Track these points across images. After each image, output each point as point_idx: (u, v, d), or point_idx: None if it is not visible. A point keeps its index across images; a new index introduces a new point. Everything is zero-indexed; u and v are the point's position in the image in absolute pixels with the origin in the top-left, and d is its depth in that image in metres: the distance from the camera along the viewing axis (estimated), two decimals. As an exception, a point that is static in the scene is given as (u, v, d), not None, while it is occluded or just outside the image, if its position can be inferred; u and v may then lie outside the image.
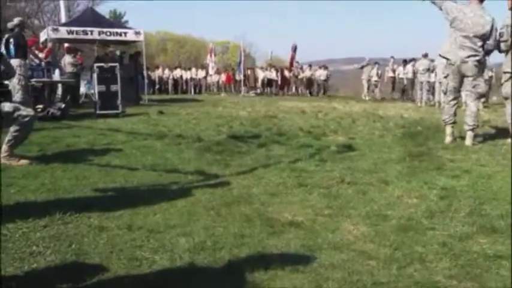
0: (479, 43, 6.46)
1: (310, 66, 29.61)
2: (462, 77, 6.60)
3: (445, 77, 6.84)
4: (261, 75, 29.99)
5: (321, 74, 28.11)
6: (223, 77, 31.74)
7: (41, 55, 12.84)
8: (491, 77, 17.12)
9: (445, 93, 6.96)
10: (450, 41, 6.59)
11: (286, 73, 29.62)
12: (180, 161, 5.44)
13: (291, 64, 29.15)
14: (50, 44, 14.52)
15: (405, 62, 21.78)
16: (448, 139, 6.74)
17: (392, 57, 24.41)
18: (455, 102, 6.81)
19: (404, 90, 22.17)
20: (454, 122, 6.78)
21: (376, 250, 2.82)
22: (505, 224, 3.22)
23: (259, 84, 30.14)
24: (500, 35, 6.56)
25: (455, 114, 6.76)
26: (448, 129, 6.79)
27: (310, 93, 27.96)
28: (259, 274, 2.43)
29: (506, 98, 6.84)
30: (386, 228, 3.20)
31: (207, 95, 27.00)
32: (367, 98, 22.35)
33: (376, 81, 23.63)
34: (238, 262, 2.62)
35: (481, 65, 6.67)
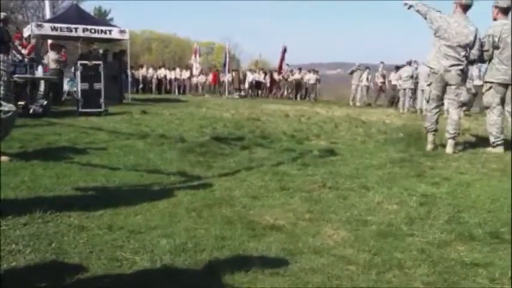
0: (463, 53, 6.56)
1: (299, 69, 29.58)
2: (445, 85, 6.68)
3: (428, 85, 6.93)
4: (249, 77, 29.93)
5: (310, 78, 28.11)
6: (210, 77, 31.62)
7: (24, 51, 12.70)
8: (475, 86, 17.31)
9: (427, 101, 7.05)
10: (435, 49, 6.68)
11: (276, 76, 29.58)
12: (162, 162, 5.42)
13: (280, 67, 29.07)
14: (33, 40, 14.37)
15: (397, 68, 21.36)
16: (429, 146, 6.83)
17: (382, 62, 24.49)
18: (437, 110, 6.90)
19: (393, 97, 21.90)
20: (436, 130, 6.86)
21: (356, 255, 2.84)
22: (483, 231, 3.27)
23: (244, 86, 30.04)
24: (482, 45, 6.67)
25: (437, 122, 6.84)
26: (430, 137, 6.88)
27: (300, 97, 27.96)
28: (239, 277, 2.44)
29: (487, 107, 6.95)
30: (366, 234, 3.23)
31: (191, 96, 26.93)
32: (357, 104, 22.16)
33: (366, 86, 23.37)
34: (219, 264, 2.62)
35: (464, 74, 6.77)
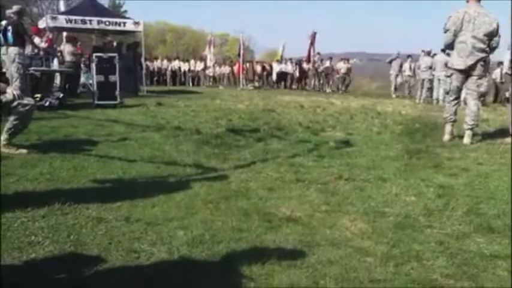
0: (488, 42, 6.47)
1: (330, 58, 26.90)
2: (467, 77, 6.59)
3: (448, 76, 6.83)
4: (276, 68, 28.42)
5: (341, 67, 25.49)
6: (234, 68, 31.08)
7: (43, 44, 12.81)
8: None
9: (447, 93, 6.96)
10: (457, 50, 6.59)
11: (305, 65, 27.31)
12: (178, 154, 5.44)
13: (309, 55, 26.67)
14: (50, 34, 14.46)
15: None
16: (446, 137, 6.77)
17: (423, 51, 19.11)
18: (457, 101, 6.84)
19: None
20: (455, 121, 6.81)
21: (374, 247, 2.83)
22: (502, 223, 3.24)
23: (271, 77, 28.65)
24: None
25: (456, 113, 6.78)
26: (448, 127, 6.82)
27: (330, 88, 25.67)
28: (256, 269, 2.44)
29: (507, 98, 6.86)
30: (384, 225, 3.22)
31: (205, 87, 26.95)
32: (394, 96, 20.37)
33: (409, 75, 20.66)
34: (235, 256, 2.63)
35: (487, 65, 6.69)
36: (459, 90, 6.78)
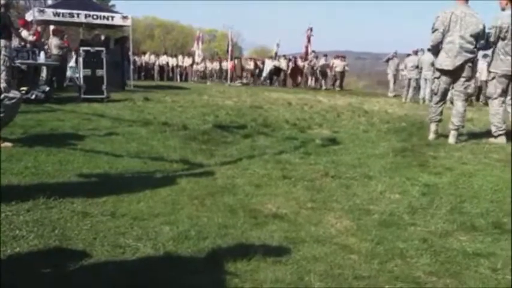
0: (475, 42, 6.50)
1: (325, 55, 26.35)
2: (455, 78, 6.64)
3: (437, 78, 6.86)
4: (269, 64, 28.07)
5: (337, 65, 25.06)
6: (222, 64, 30.97)
7: (31, 37, 12.69)
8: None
9: (435, 94, 7.00)
10: (445, 50, 6.59)
11: (300, 62, 26.87)
12: (165, 149, 5.43)
13: (307, 52, 26.02)
14: (38, 27, 14.34)
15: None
16: (431, 136, 6.83)
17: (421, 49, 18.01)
18: (443, 102, 6.88)
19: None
20: (440, 120, 6.87)
21: (358, 244, 2.85)
22: (485, 222, 3.28)
23: (265, 74, 28.12)
24: (488, 36, 6.63)
25: (441, 113, 6.84)
26: (433, 127, 6.89)
27: (325, 85, 25.24)
28: (242, 265, 2.45)
29: (489, 98, 6.93)
30: (369, 223, 3.24)
31: (193, 83, 26.89)
32: (391, 95, 19.85)
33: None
34: (221, 252, 2.63)
35: (474, 66, 6.76)
36: (446, 91, 6.84)
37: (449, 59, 6.53)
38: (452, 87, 6.77)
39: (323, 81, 25.64)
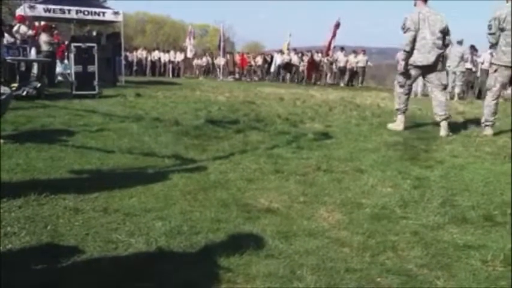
0: (443, 38, 6.87)
1: (342, 48, 25.04)
2: (429, 73, 6.99)
3: (405, 72, 7.11)
4: (277, 60, 27.06)
5: (359, 60, 23.86)
6: (214, 60, 30.79)
7: (30, 32, 12.69)
8: (468, 69, 17.16)
9: (402, 86, 7.20)
10: (417, 47, 6.87)
11: (318, 57, 25.10)
12: (157, 145, 5.41)
13: (329, 47, 23.94)
14: (35, 22, 14.27)
15: (474, 49, 17.71)
16: (402, 126, 7.16)
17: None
18: (409, 91, 7.37)
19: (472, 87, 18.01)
20: (406, 110, 7.34)
21: (350, 237, 2.87)
22: (476, 214, 3.31)
23: (274, 69, 27.17)
24: (489, 27, 6.69)
25: (408, 103, 7.34)
26: (402, 117, 7.24)
27: (348, 83, 23.96)
28: (234, 259, 2.46)
29: (488, 89, 6.98)
30: (360, 216, 3.26)
31: (186, 79, 26.82)
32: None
33: None
34: (214, 247, 2.64)
35: (445, 59, 7.35)
36: (414, 82, 7.33)
37: (423, 55, 6.87)
38: (428, 81, 7.14)
39: (341, 78, 24.64)
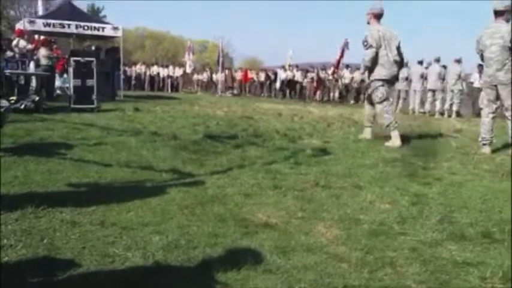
0: (399, 54, 7.36)
1: (347, 66, 25.07)
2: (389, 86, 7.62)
3: (381, 86, 7.43)
4: (281, 75, 27.08)
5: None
6: (213, 76, 30.90)
7: (30, 46, 12.76)
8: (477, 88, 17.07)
9: (382, 101, 7.48)
10: (381, 62, 7.30)
11: (325, 74, 25.39)
12: (155, 159, 5.41)
13: (338, 65, 24.36)
14: (35, 35, 14.34)
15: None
16: (399, 142, 7.25)
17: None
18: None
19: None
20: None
21: (348, 253, 2.85)
22: (474, 231, 3.30)
23: (275, 85, 27.20)
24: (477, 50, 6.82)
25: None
26: (397, 133, 7.41)
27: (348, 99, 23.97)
28: (232, 274, 2.44)
29: (481, 108, 7.02)
30: (359, 232, 3.25)
31: (184, 93, 26.88)
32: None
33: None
34: (211, 261, 2.62)
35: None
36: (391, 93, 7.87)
37: (387, 70, 7.33)
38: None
39: (346, 95, 24.66)
